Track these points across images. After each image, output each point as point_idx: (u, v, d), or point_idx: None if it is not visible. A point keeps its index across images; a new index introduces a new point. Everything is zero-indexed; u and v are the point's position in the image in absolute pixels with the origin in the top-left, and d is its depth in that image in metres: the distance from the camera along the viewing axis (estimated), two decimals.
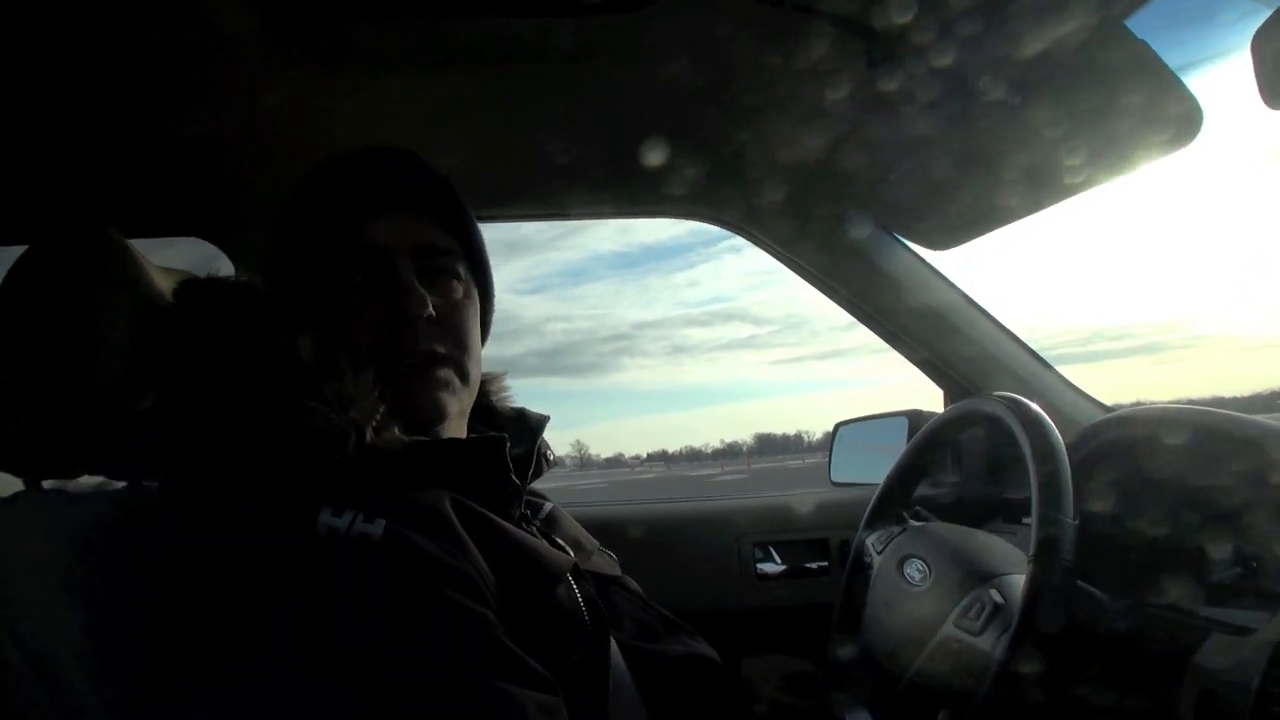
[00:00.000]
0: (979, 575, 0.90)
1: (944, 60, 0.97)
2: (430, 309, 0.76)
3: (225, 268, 0.93)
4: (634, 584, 0.97)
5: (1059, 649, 0.76)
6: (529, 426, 0.92)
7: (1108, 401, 1.42)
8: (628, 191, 1.48)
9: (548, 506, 0.97)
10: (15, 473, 0.81)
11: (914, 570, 1.00)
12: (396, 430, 0.72)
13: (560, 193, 1.46)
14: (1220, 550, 0.90)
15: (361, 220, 0.78)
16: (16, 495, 0.80)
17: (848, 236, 1.44)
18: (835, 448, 1.77)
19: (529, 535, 0.78)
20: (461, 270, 0.83)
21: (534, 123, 1.24)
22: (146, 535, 0.74)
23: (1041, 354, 1.45)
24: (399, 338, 0.76)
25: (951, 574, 0.94)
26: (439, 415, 0.78)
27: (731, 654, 1.29)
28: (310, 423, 0.68)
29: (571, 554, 0.87)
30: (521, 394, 0.99)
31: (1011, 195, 1.20)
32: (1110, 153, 1.05)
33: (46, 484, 0.83)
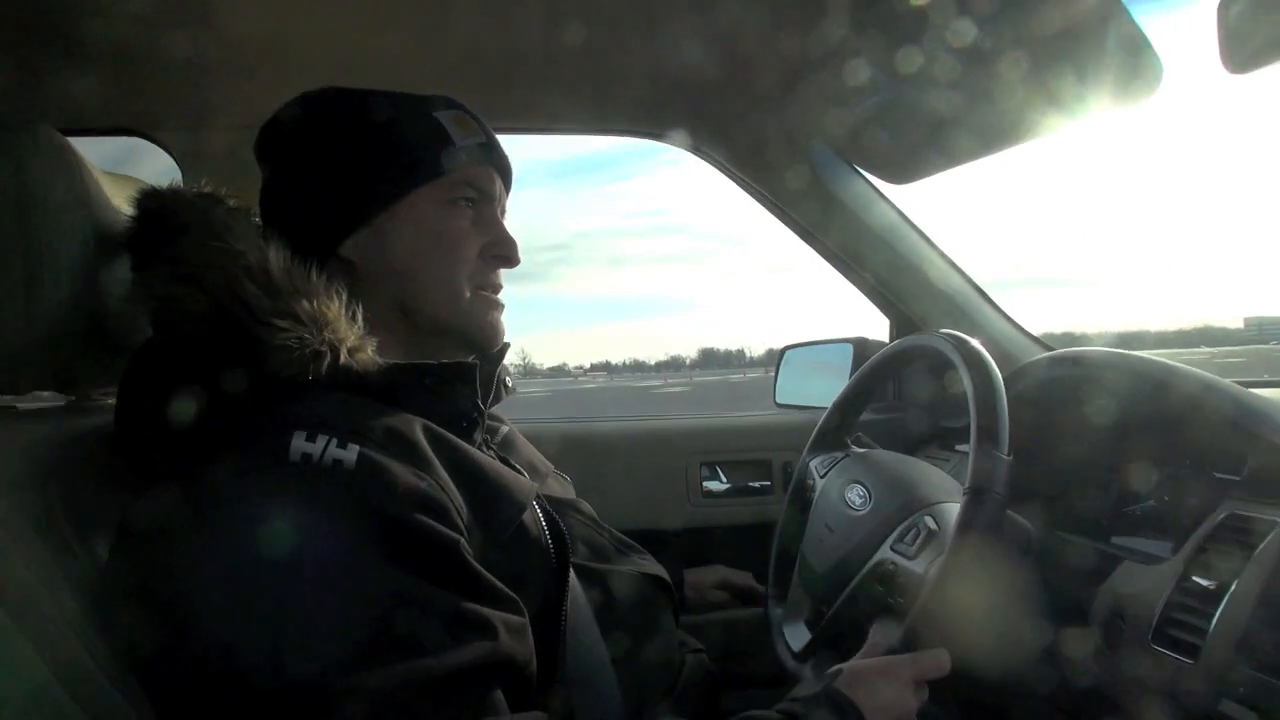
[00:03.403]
0: (917, 502, 0.95)
1: None
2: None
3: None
4: (587, 506, 0.99)
5: (987, 572, 0.82)
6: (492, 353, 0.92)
7: (1036, 330, 1.51)
8: (588, 107, 1.46)
9: (504, 429, 0.98)
10: None
11: (855, 495, 1.05)
12: (370, 351, 0.71)
13: (527, 104, 1.45)
14: (1136, 483, 0.98)
15: (463, 159, 0.81)
16: None
17: (804, 163, 1.45)
18: (781, 371, 1.82)
19: (495, 461, 0.78)
20: None
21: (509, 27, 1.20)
22: (108, 458, 0.70)
23: (983, 285, 1.51)
24: (490, 272, 0.84)
25: (891, 500, 0.99)
26: (499, 341, 0.85)
27: (679, 568, 1.35)
28: (281, 342, 0.66)
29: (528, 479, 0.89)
30: None
31: (968, 135, 1.21)
32: (1069, 100, 1.06)
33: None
